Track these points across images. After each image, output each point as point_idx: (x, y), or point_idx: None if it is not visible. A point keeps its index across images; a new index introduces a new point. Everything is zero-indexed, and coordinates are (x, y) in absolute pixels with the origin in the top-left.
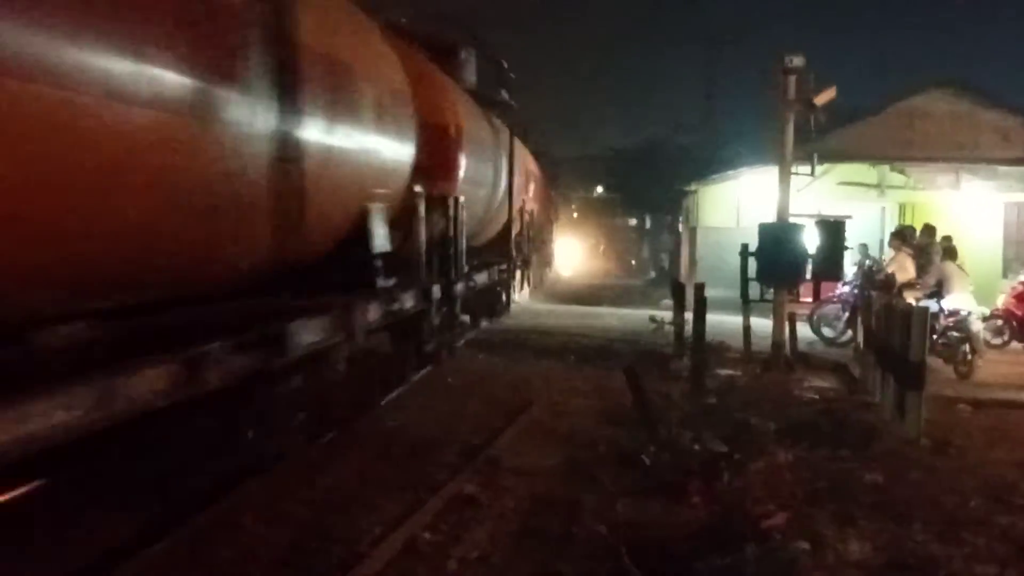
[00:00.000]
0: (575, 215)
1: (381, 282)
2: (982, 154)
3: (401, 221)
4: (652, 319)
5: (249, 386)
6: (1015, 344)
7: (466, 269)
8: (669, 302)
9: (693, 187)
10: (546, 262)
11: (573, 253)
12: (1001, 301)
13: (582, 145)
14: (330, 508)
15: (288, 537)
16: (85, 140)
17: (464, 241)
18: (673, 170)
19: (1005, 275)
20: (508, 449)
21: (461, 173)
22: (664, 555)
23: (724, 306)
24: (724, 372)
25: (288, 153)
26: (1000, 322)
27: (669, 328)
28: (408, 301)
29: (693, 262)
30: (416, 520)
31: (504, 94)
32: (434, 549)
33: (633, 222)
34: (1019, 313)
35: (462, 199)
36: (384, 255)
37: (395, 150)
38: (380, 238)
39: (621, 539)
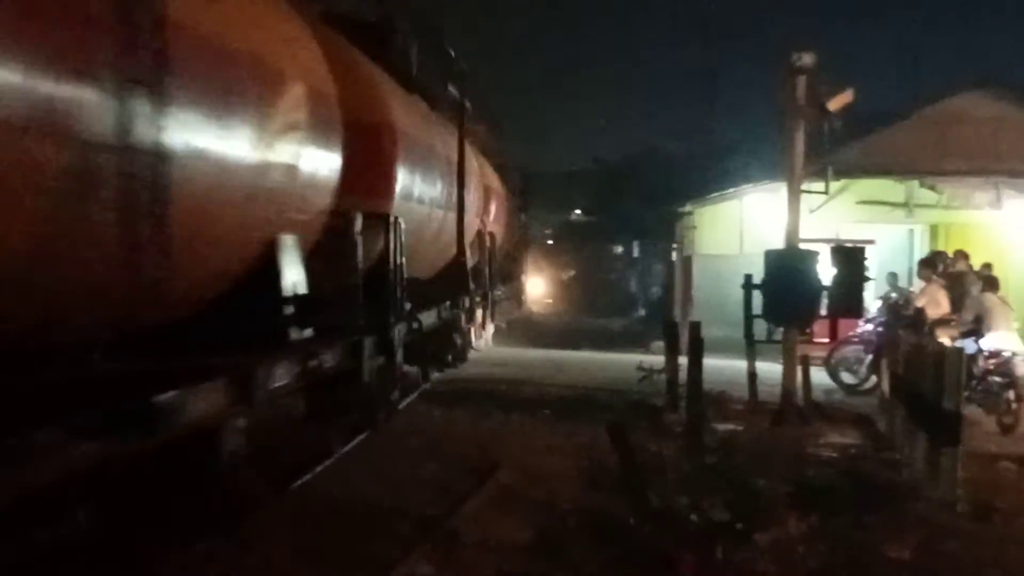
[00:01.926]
0: (550, 242)
1: (295, 333)
2: None
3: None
4: (640, 367)
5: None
6: None
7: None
8: (661, 345)
9: (688, 208)
10: (516, 298)
11: (548, 287)
12: None
13: (560, 160)
14: None
15: None
16: None
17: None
18: (665, 188)
19: None
20: (472, 520)
21: (398, 187)
22: None
23: (725, 348)
24: (726, 427)
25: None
26: None
27: (661, 376)
28: (330, 358)
29: (689, 297)
30: None
31: (453, 90)
32: None
33: (619, 249)
34: None
35: (401, 220)
36: (298, 297)
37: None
38: (292, 276)
39: None
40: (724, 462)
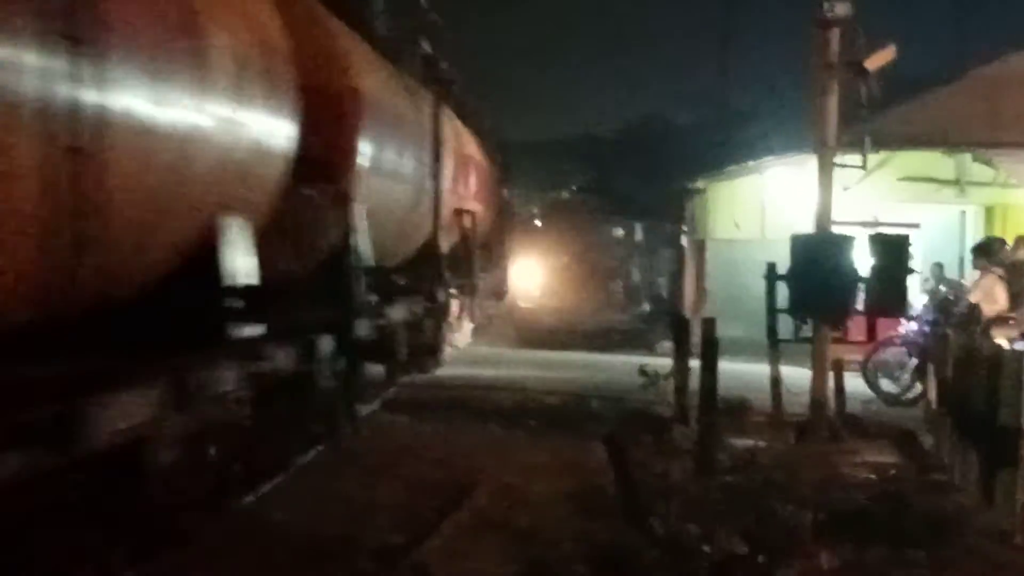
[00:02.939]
0: (538, 223)
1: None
2: None
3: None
4: (643, 371)
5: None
6: None
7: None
8: (669, 345)
9: (700, 184)
10: (497, 290)
11: (535, 276)
12: None
13: (548, 127)
14: None
15: None
16: None
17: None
18: (673, 161)
19: None
20: (443, 552)
21: (363, 162)
22: None
23: (744, 350)
24: (744, 442)
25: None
26: None
27: (668, 382)
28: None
29: (701, 288)
30: None
31: (426, 46)
32: None
33: (619, 233)
34: None
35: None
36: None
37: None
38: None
39: None
40: (742, 484)
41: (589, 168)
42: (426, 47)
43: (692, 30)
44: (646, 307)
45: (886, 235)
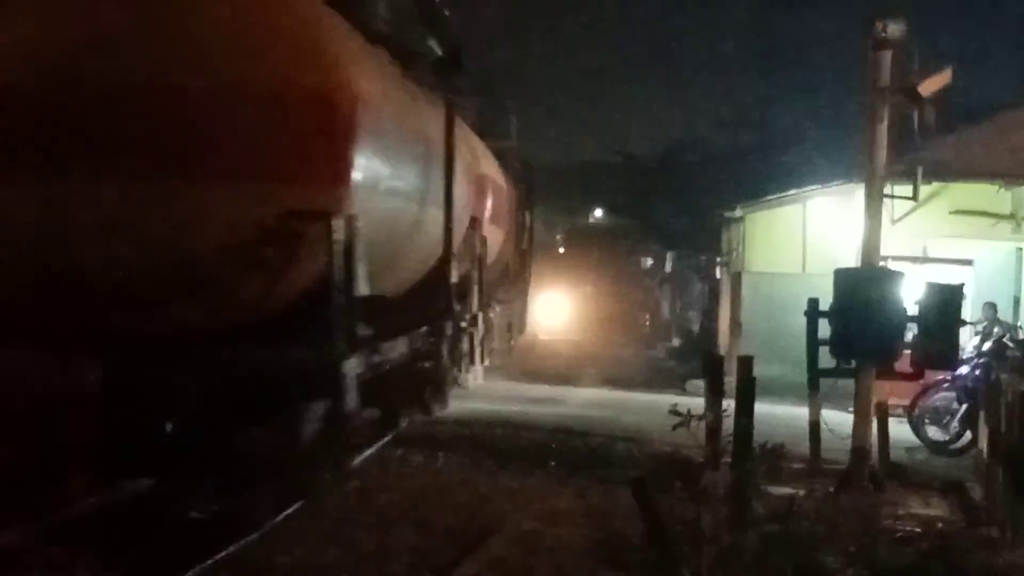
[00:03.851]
0: (562, 249)
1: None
2: None
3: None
4: (674, 411)
5: None
6: None
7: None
8: (700, 384)
9: (738, 212)
10: (516, 320)
11: (557, 307)
12: None
13: (578, 150)
14: None
15: None
16: None
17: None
18: (709, 187)
19: None
20: None
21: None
22: None
23: (783, 391)
24: (780, 490)
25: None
26: None
27: (700, 424)
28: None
29: (737, 324)
30: None
31: (434, 44)
32: None
33: (648, 262)
34: None
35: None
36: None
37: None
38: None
39: None
40: (779, 535)
41: (618, 190)
42: (436, 48)
43: (733, 52)
44: (676, 342)
45: (939, 284)
